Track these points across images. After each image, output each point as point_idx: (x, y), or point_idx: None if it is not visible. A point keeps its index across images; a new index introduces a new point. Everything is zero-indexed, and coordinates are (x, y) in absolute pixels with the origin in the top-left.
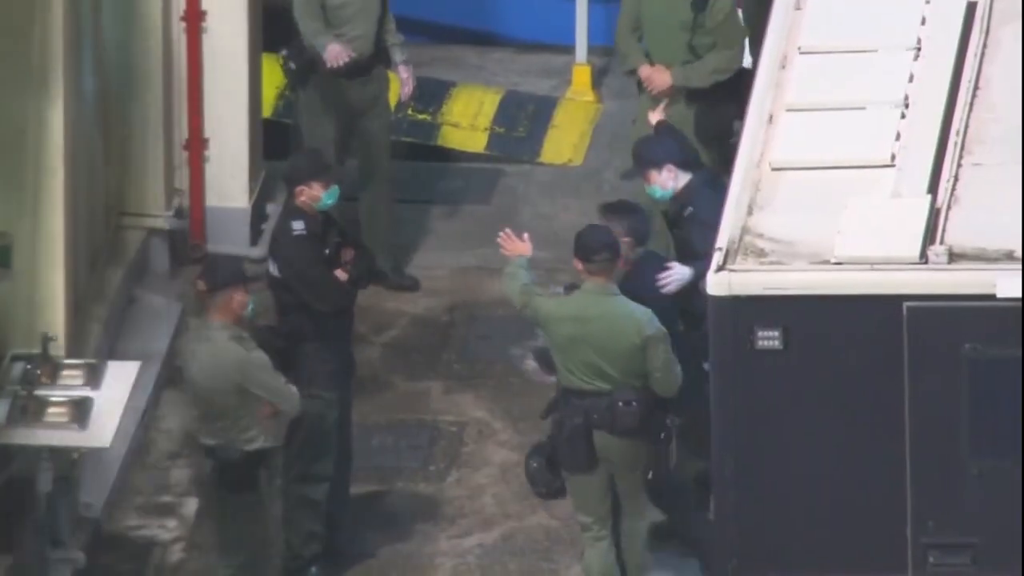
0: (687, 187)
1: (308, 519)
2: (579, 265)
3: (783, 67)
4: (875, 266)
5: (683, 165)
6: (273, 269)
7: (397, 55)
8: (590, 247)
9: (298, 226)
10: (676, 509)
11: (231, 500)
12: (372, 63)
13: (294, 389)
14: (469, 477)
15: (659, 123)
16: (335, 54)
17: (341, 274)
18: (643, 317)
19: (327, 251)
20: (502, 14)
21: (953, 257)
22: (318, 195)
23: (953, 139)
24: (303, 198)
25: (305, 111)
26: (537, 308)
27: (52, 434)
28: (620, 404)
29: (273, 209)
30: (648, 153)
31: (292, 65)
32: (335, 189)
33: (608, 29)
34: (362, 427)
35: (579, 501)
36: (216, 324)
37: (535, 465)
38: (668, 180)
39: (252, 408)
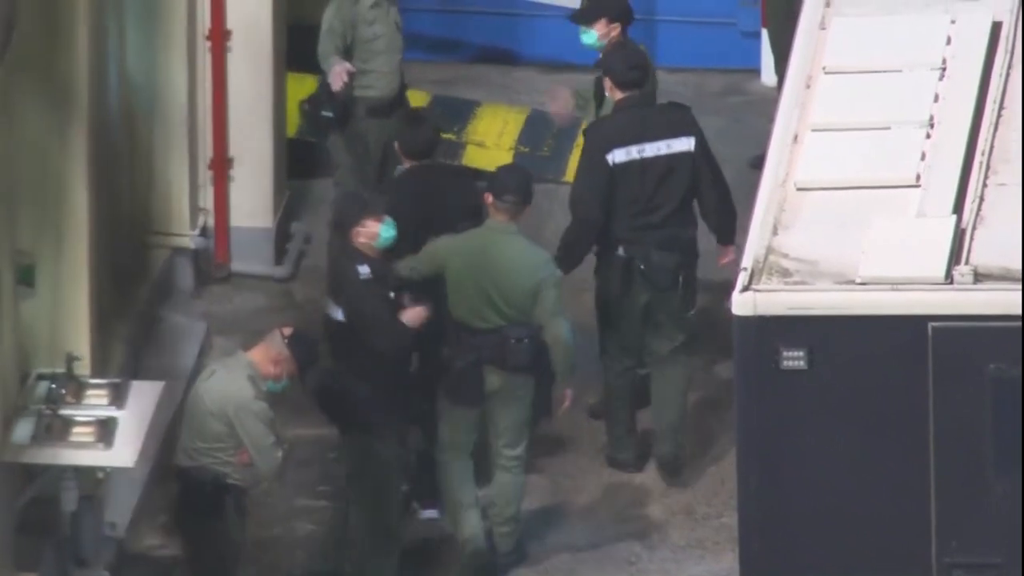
0: None
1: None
2: (488, 199)
3: (808, 87)
4: (900, 286)
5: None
6: (336, 314)
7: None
8: (504, 186)
9: (364, 271)
10: None
11: (195, 525)
12: (400, 99)
13: (278, 454)
14: None
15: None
16: (338, 74)
17: (411, 316)
18: (540, 259)
19: (391, 294)
20: (527, 33)
21: (978, 277)
22: (375, 231)
23: (978, 159)
24: (361, 239)
25: (347, 159)
26: (435, 247)
27: (77, 454)
28: (512, 341)
29: (298, 228)
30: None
31: (329, 114)
32: (390, 221)
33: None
34: None
35: (449, 435)
36: (247, 359)
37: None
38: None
39: (234, 447)
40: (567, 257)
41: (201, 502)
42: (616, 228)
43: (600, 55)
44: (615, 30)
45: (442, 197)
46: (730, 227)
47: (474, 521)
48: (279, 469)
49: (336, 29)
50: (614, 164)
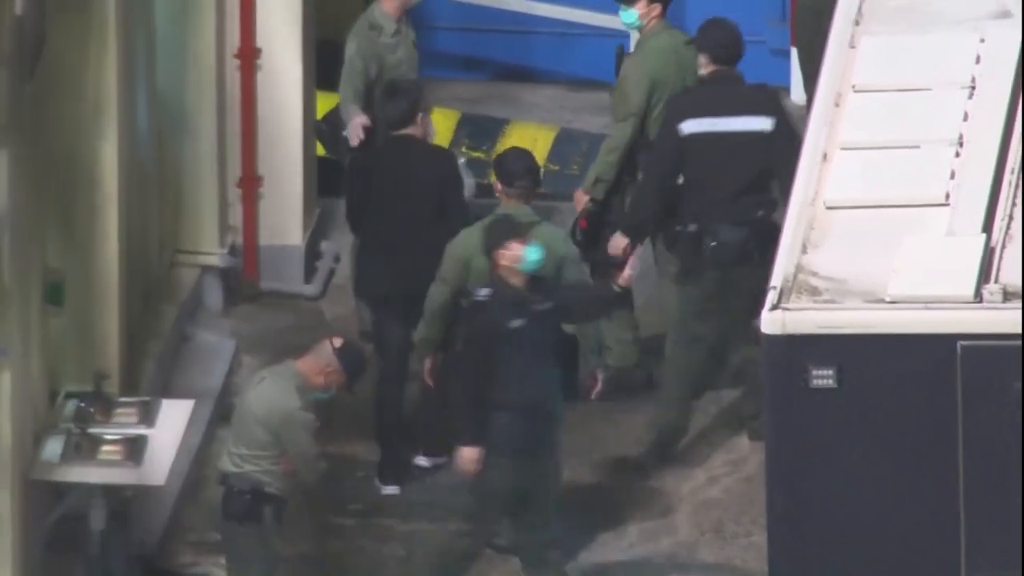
0: None
1: None
2: (498, 187)
3: (837, 105)
4: (929, 305)
5: (717, 59)
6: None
7: None
8: (512, 171)
9: (482, 292)
10: None
11: (235, 529)
12: None
13: (322, 466)
14: None
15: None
16: (356, 129)
17: None
18: (557, 238)
19: (515, 322)
20: (551, 51)
21: (1007, 296)
22: (519, 254)
23: (1008, 178)
24: (504, 262)
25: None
26: (453, 247)
27: (106, 472)
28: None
29: (327, 247)
30: (698, 33)
31: (346, 134)
32: (537, 244)
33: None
34: None
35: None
36: (296, 369)
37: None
38: (699, 64)
39: (278, 456)
40: (632, 219)
41: (240, 509)
42: (689, 202)
43: (639, 33)
44: (656, 10)
45: (417, 166)
46: None
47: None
48: (318, 475)
49: (358, 66)
50: (685, 135)
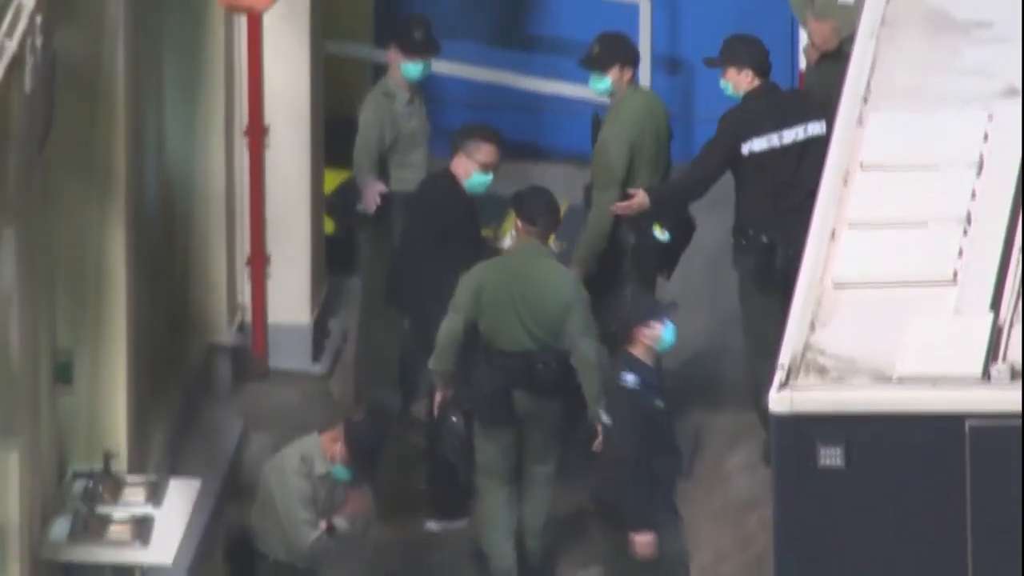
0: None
1: None
2: (518, 224)
3: (845, 183)
4: (937, 384)
5: (760, 72)
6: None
7: None
8: (534, 210)
9: (631, 379)
10: None
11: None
12: None
13: (311, 535)
14: None
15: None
16: (372, 197)
17: None
18: (569, 280)
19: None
20: (557, 128)
21: (1015, 375)
22: (659, 334)
23: (1015, 256)
24: (645, 341)
25: (379, 250)
26: (469, 278)
27: (114, 552)
28: (539, 365)
29: (335, 325)
30: (734, 51)
31: (364, 207)
32: (671, 325)
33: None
34: None
35: (487, 458)
36: (313, 440)
37: (455, 420)
38: (743, 82)
39: (267, 515)
40: (661, 194)
41: (233, 559)
42: (757, 216)
43: (610, 99)
44: (628, 75)
45: (458, 199)
46: None
47: (507, 550)
48: (315, 553)
49: (373, 133)
50: (751, 153)
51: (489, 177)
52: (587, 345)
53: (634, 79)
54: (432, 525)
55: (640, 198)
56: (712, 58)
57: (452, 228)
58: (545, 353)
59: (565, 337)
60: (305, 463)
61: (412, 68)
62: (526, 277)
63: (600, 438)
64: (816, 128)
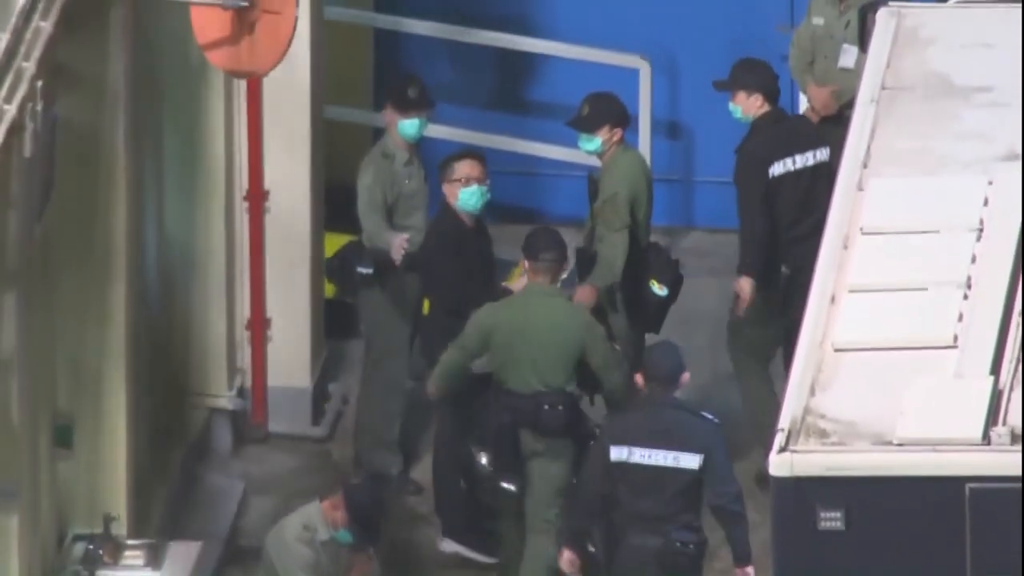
0: None
1: None
2: (526, 264)
3: (845, 247)
4: (937, 447)
5: (770, 98)
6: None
7: None
8: (539, 247)
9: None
10: None
11: None
12: None
13: None
14: None
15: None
16: (399, 247)
17: None
18: (582, 321)
19: None
20: (552, 192)
21: (1016, 438)
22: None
23: (1015, 320)
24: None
25: (382, 313)
26: (479, 318)
27: None
28: (546, 407)
29: (335, 389)
30: (745, 74)
31: (368, 270)
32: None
33: (667, 209)
34: None
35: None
36: (316, 504)
37: (483, 461)
38: (752, 106)
39: None
40: (749, 259)
41: None
42: (774, 244)
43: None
44: (617, 135)
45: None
46: None
47: None
48: None
49: (378, 196)
50: (771, 177)
51: (477, 188)
52: (613, 376)
53: (623, 139)
54: (447, 545)
55: (745, 289)
56: (722, 80)
57: (468, 260)
58: (553, 395)
59: (596, 372)
60: (307, 530)
61: (409, 126)
62: (536, 320)
63: None
64: (823, 154)
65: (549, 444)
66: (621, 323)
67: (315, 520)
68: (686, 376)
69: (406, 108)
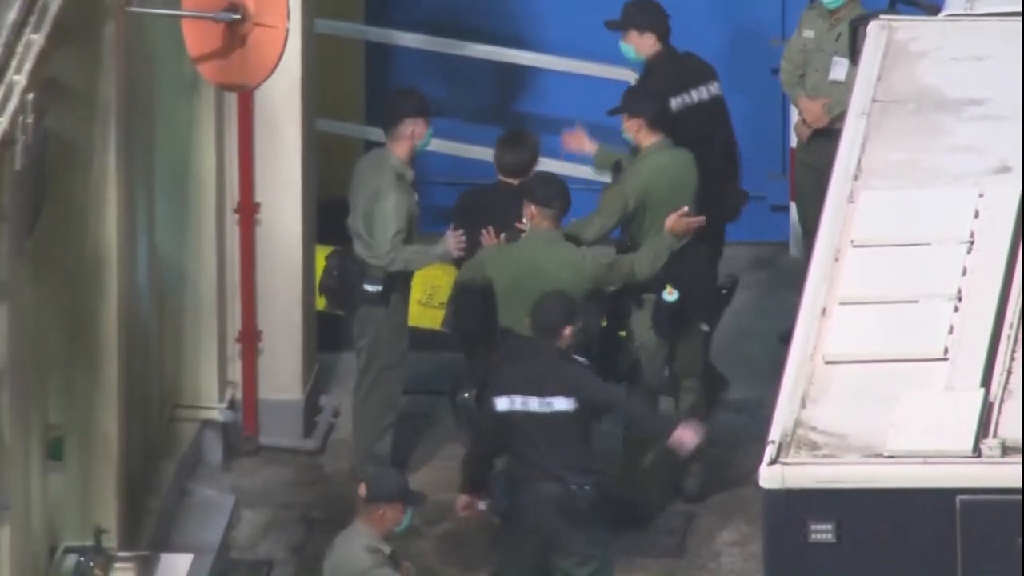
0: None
1: None
2: (531, 210)
3: (836, 260)
4: (928, 460)
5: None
6: None
7: None
8: (548, 194)
9: None
10: None
11: None
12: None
13: None
14: None
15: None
16: (457, 241)
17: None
18: (587, 260)
19: None
20: None
21: (1006, 451)
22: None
23: (1006, 332)
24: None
25: (385, 329)
26: (480, 260)
27: None
28: None
29: (326, 401)
30: (636, 15)
31: (377, 287)
32: None
33: None
34: None
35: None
36: (361, 528)
37: (467, 396)
38: (645, 45)
39: None
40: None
41: None
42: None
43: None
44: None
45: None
46: None
47: None
48: None
49: (403, 222)
50: (672, 112)
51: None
52: (626, 261)
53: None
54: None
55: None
56: (613, 20)
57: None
58: None
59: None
60: (376, 552)
61: (428, 136)
62: (541, 264)
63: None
64: (716, 88)
65: None
66: (644, 321)
67: (372, 540)
68: (569, 330)
69: (428, 119)
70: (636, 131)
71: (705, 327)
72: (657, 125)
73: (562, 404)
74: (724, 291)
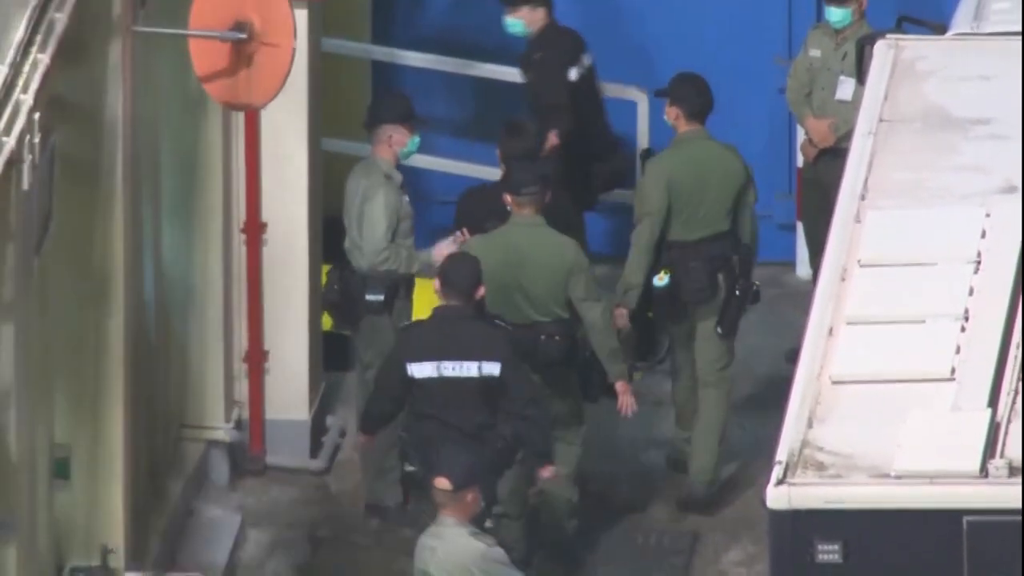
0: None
1: None
2: (508, 199)
3: (843, 280)
4: (935, 480)
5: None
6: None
7: None
8: (521, 180)
9: None
10: None
11: None
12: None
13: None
14: None
15: None
16: (453, 242)
17: None
18: (568, 248)
19: None
20: None
21: (1013, 471)
22: None
23: (1013, 352)
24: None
25: (390, 341)
26: (466, 249)
27: None
28: (543, 338)
29: (333, 421)
30: None
31: (379, 296)
32: None
33: (613, 243)
34: None
35: None
36: (450, 521)
37: (411, 469)
38: (536, 19)
39: None
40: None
41: None
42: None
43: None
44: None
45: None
46: None
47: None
48: None
49: (393, 222)
50: (570, 81)
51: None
52: (591, 309)
53: (697, 126)
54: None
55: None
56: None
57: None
58: (550, 324)
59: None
60: (480, 537)
61: (413, 143)
62: (523, 250)
63: (624, 399)
64: (590, 58)
65: (548, 376)
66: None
67: (467, 527)
68: (482, 290)
69: (413, 126)
70: (675, 118)
71: (719, 329)
72: (696, 117)
73: (491, 368)
74: (738, 293)
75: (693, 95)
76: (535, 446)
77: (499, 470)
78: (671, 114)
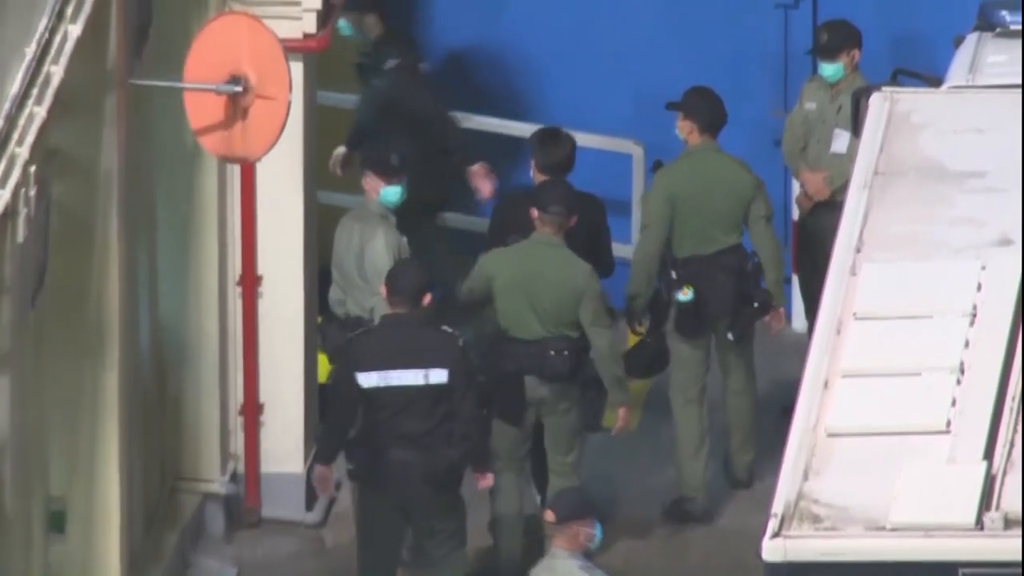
0: None
1: None
2: (534, 213)
3: (838, 332)
4: (930, 533)
5: None
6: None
7: None
8: (549, 199)
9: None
10: None
11: None
12: None
13: None
14: None
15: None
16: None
17: None
18: (583, 271)
19: None
20: None
21: (1009, 523)
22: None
23: (1008, 405)
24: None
25: None
26: (484, 261)
27: None
28: (551, 352)
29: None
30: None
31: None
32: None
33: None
34: None
35: (498, 443)
36: (562, 553)
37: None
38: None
39: None
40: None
41: None
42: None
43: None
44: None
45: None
46: None
47: (513, 540)
48: None
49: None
50: None
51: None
52: (600, 336)
53: (709, 139)
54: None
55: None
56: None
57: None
58: (557, 340)
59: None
60: (590, 571)
61: (391, 193)
62: (537, 267)
63: (622, 423)
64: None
65: (555, 391)
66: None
67: (578, 559)
68: (428, 296)
69: (390, 176)
70: (688, 132)
71: (730, 335)
72: (709, 130)
73: (438, 376)
74: (756, 305)
75: (706, 108)
76: (477, 456)
77: (436, 484)
78: (684, 128)
